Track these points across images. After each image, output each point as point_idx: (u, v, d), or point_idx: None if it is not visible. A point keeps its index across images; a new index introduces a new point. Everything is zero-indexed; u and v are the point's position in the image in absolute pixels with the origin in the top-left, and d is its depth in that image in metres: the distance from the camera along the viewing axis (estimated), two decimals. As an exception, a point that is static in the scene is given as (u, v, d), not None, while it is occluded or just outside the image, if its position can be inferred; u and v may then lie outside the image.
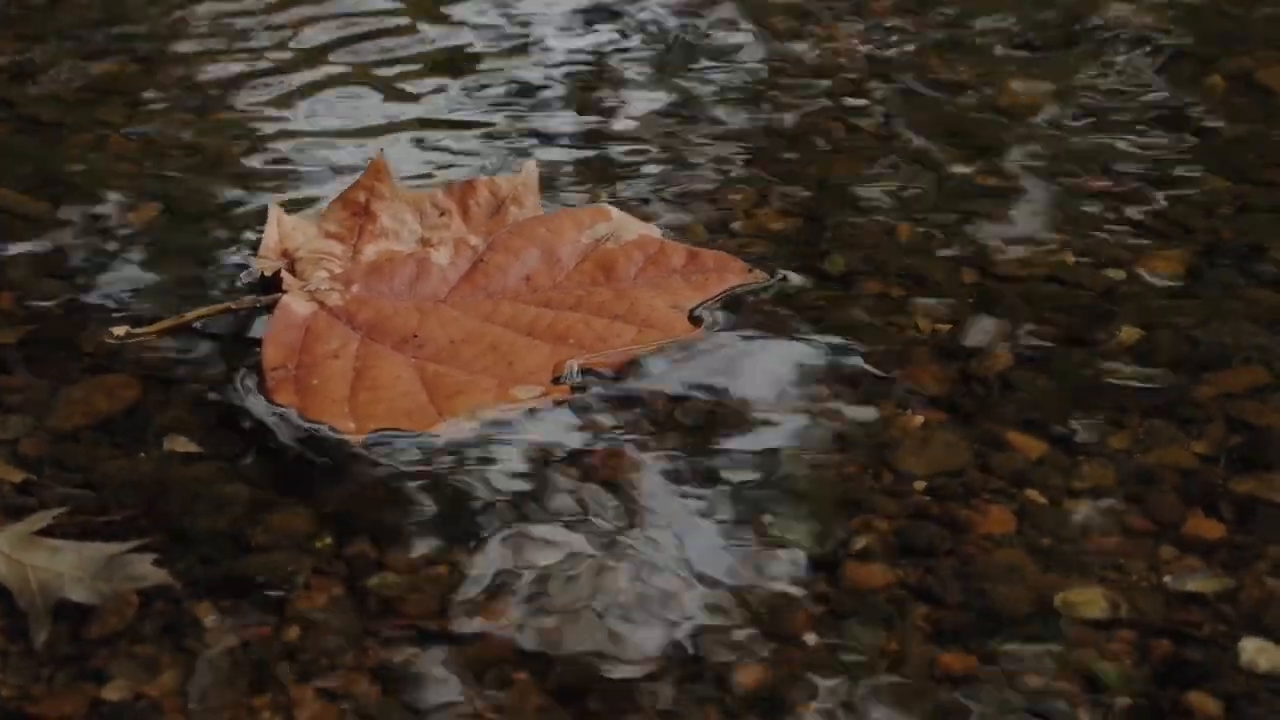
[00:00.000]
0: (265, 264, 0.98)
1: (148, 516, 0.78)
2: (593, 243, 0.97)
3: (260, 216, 1.06)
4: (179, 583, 0.73)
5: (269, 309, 0.93)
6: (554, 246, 0.96)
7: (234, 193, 1.12)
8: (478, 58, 1.37)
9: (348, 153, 1.18)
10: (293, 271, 0.96)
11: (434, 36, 1.42)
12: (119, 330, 0.93)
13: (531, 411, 0.85)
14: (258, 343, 0.91)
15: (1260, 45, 1.34)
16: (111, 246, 1.04)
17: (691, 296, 0.94)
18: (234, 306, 0.95)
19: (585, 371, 0.88)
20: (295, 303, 0.92)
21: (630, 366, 0.89)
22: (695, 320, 0.93)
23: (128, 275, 1.01)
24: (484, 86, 1.31)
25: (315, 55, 1.38)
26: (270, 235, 0.99)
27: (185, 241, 1.05)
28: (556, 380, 0.87)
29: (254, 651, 0.70)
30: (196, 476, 0.81)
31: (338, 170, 1.14)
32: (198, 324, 0.94)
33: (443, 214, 0.99)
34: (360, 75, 1.34)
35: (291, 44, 1.40)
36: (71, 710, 0.67)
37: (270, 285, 0.96)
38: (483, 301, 0.94)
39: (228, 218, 1.08)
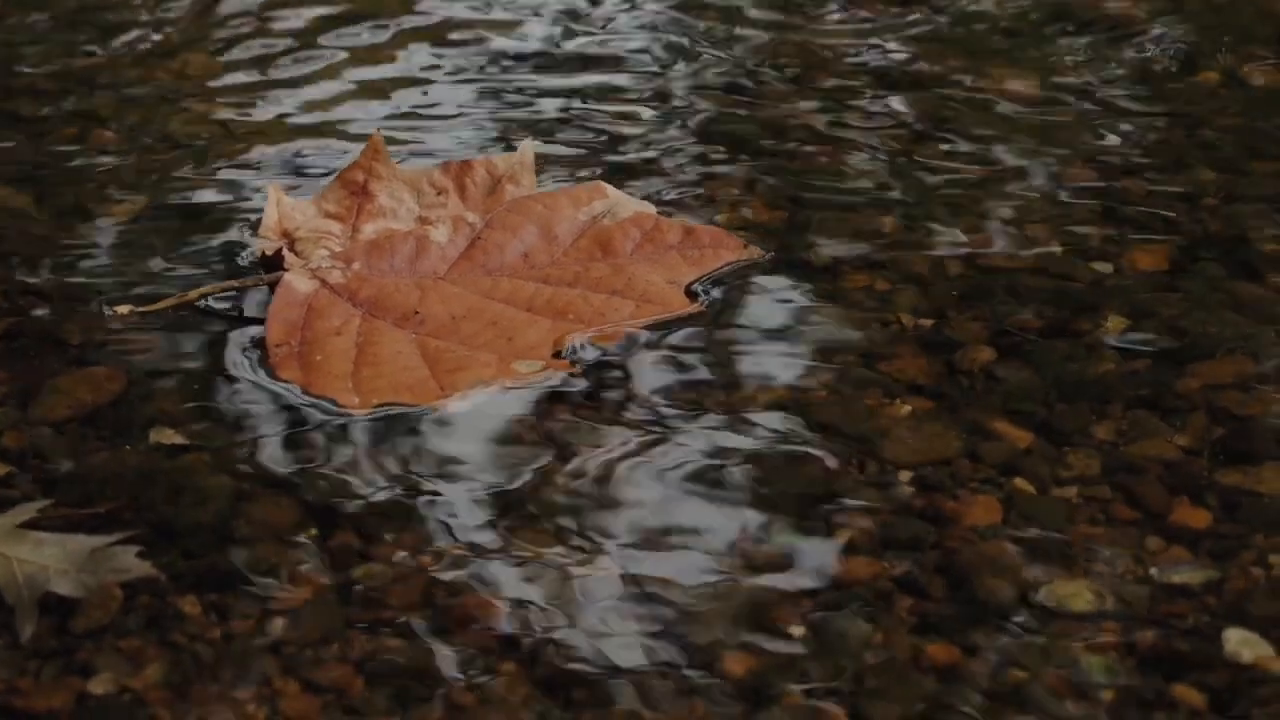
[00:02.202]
0: (265, 243, 0.98)
1: (132, 509, 0.78)
2: (589, 220, 0.98)
3: (248, 206, 1.06)
4: (163, 575, 0.73)
5: (271, 287, 0.94)
6: (551, 224, 0.97)
7: (221, 183, 1.12)
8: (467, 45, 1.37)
9: (340, 143, 1.18)
10: (293, 250, 0.97)
11: (420, 24, 1.42)
12: (122, 309, 0.94)
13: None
14: (252, 322, 0.92)
15: (1247, 39, 1.35)
16: (97, 237, 1.04)
17: (688, 272, 0.95)
18: (237, 284, 0.96)
19: (585, 346, 0.89)
20: (297, 280, 0.93)
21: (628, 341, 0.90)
22: (692, 295, 0.93)
23: (114, 265, 1.01)
24: (471, 80, 1.31)
25: (305, 47, 1.38)
26: (270, 215, 1.00)
27: (172, 231, 1.05)
28: (557, 355, 0.88)
29: (239, 644, 0.70)
30: (181, 468, 0.81)
31: (327, 161, 1.14)
32: (200, 302, 0.95)
33: (440, 193, 1.00)
34: (350, 64, 1.34)
35: (280, 36, 1.40)
36: (59, 704, 0.67)
37: (271, 265, 0.97)
38: (482, 278, 0.95)
39: (214, 207, 1.08)
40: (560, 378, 0.87)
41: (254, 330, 0.92)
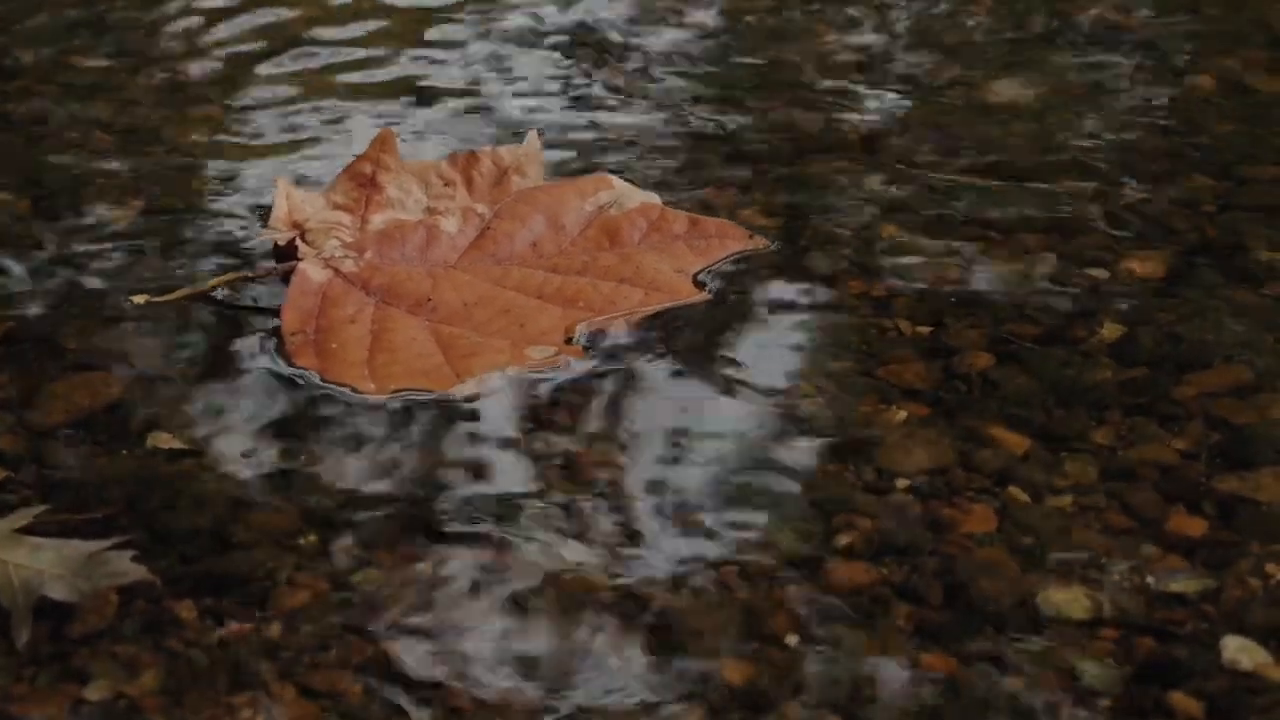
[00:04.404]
0: (278, 234, 0.99)
1: (129, 514, 0.78)
2: (596, 210, 0.99)
3: (252, 203, 1.07)
4: (160, 580, 0.73)
5: (283, 278, 0.96)
6: (558, 214, 0.99)
7: (218, 187, 1.12)
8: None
9: (332, 146, 1.18)
10: (304, 241, 0.98)
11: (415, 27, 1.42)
12: (138, 298, 0.95)
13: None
14: (265, 312, 0.94)
15: (1244, 45, 1.35)
16: (95, 242, 1.04)
17: (694, 261, 0.97)
18: (252, 274, 0.97)
19: (595, 333, 0.91)
20: (311, 269, 0.95)
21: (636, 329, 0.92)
22: (699, 284, 0.95)
23: (112, 267, 1.01)
24: (465, 81, 1.31)
25: (297, 51, 1.38)
26: (279, 207, 1.01)
27: (175, 230, 1.05)
28: (568, 341, 0.90)
29: (235, 649, 0.69)
30: (178, 473, 0.81)
31: (323, 164, 1.14)
32: (216, 292, 0.96)
33: (447, 184, 1.02)
34: (349, 66, 1.34)
35: (273, 42, 1.40)
36: (54, 710, 0.66)
37: (283, 256, 0.98)
38: (492, 267, 0.96)
39: (212, 210, 1.08)
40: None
41: (267, 319, 0.93)
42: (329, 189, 1.02)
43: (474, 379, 0.86)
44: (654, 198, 1.01)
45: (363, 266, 0.96)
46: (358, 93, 1.29)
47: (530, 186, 1.02)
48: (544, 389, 0.87)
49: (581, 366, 0.88)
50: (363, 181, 1.02)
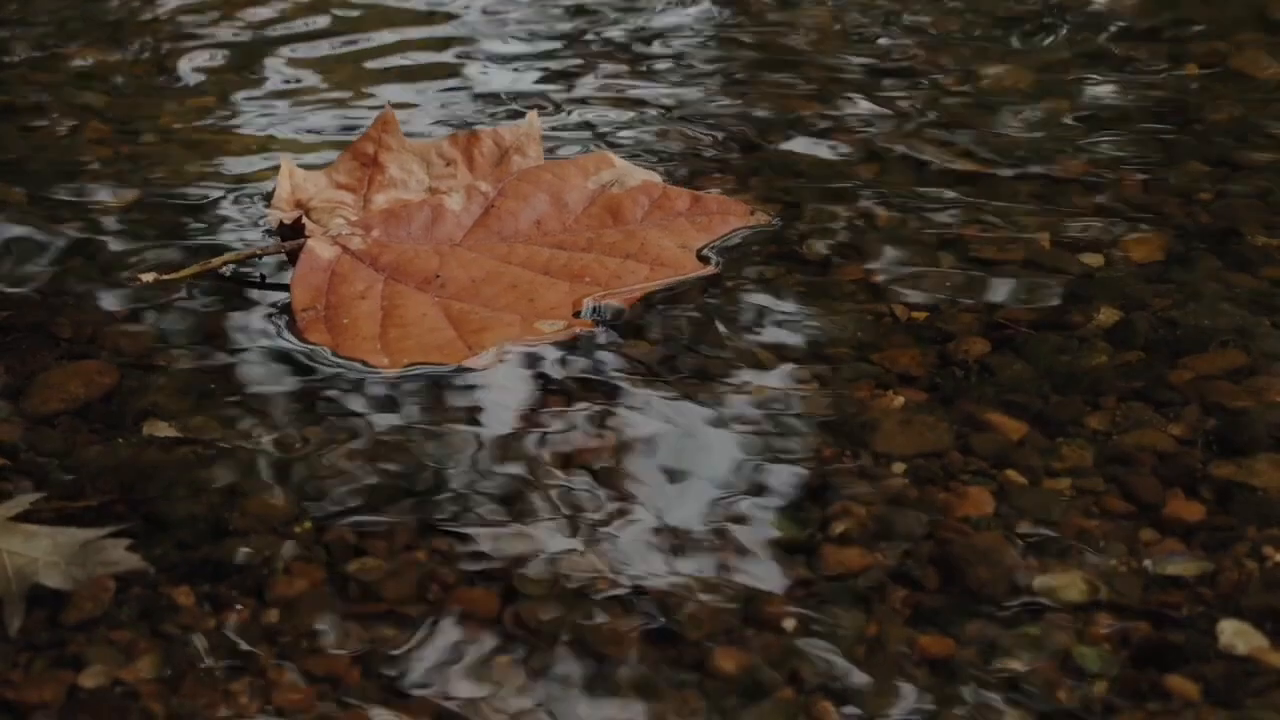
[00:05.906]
0: (283, 213, 1.00)
1: (125, 502, 0.78)
2: (598, 188, 1.00)
3: (244, 193, 1.07)
4: (155, 568, 0.73)
5: (289, 256, 0.96)
6: (561, 192, 1.00)
7: (215, 172, 1.12)
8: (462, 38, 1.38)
9: (325, 141, 1.18)
10: (309, 219, 0.99)
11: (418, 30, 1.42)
12: (146, 276, 0.95)
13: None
14: (270, 288, 0.95)
15: (1237, 30, 1.35)
16: (90, 230, 1.04)
17: (697, 237, 0.98)
18: (260, 251, 0.98)
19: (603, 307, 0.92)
20: (320, 246, 0.96)
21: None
22: (703, 260, 0.96)
23: (110, 254, 1.01)
24: (459, 77, 1.31)
25: (292, 43, 1.38)
26: (283, 187, 1.02)
27: (168, 219, 1.05)
28: (577, 315, 0.91)
29: (232, 635, 0.69)
30: (174, 461, 0.81)
31: (315, 153, 1.14)
32: (224, 269, 0.97)
33: (449, 164, 1.03)
34: (341, 56, 1.34)
35: (266, 31, 1.40)
36: (50, 696, 0.66)
37: (288, 235, 0.98)
38: (498, 244, 0.97)
39: (210, 194, 1.08)
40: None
41: (275, 297, 0.94)
42: (331, 168, 1.03)
43: (487, 352, 0.87)
44: (655, 176, 1.02)
45: (370, 244, 0.97)
46: (358, 77, 1.29)
47: (532, 165, 1.02)
48: (551, 364, 0.87)
49: (587, 340, 0.88)
50: (365, 161, 1.03)
